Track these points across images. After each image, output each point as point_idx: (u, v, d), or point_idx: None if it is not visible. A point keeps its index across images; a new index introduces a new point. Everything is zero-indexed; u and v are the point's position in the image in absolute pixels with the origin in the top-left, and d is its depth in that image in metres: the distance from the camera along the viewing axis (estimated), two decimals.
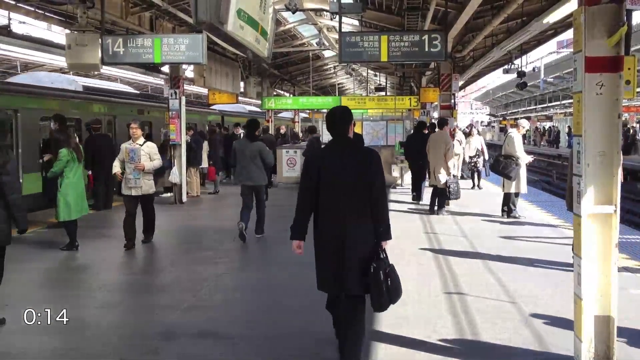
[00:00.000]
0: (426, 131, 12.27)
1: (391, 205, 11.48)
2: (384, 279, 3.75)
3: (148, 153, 7.75)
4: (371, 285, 3.76)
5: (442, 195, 10.55)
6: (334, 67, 25.40)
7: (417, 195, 12.25)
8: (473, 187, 13.89)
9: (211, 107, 22.05)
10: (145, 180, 7.74)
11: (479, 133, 15.51)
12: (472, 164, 14.56)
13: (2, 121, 9.86)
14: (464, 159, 14.28)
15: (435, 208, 10.55)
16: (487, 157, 15.04)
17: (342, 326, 4.00)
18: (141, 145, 7.75)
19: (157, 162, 7.85)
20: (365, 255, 3.82)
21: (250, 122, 8.58)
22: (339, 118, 3.96)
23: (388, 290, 3.76)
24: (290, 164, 15.72)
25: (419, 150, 11.52)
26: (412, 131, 15.76)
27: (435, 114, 21.84)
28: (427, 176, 11.80)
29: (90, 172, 10.97)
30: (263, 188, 8.55)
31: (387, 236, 3.87)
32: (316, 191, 3.90)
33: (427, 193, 11.68)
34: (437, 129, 11.09)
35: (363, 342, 3.94)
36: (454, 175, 10.66)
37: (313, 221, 4.00)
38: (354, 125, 4.13)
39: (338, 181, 3.87)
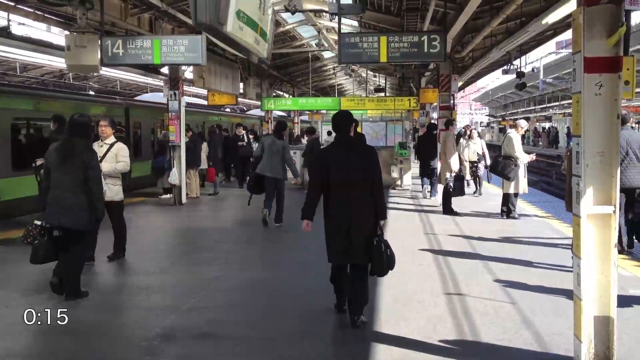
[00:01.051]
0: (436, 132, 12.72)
1: (391, 206, 11.49)
2: (385, 249, 4.61)
3: (115, 154, 6.89)
4: (374, 254, 4.59)
5: (446, 194, 10.63)
6: (334, 68, 25.43)
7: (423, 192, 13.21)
8: (475, 193, 13.78)
9: (113, 97, 16.90)
10: (110, 185, 6.82)
11: (479, 135, 15.09)
12: (473, 169, 14.15)
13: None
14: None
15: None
16: (488, 162, 13.67)
17: (350, 289, 4.79)
18: (110, 145, 6.92)
19: (122, 164, 6.90)
20: (368, 232, 4.65)
21: (279, 123, 10.11)
22: (345, 120, 4.82)
23: (388, 258, 4.62)
24: None
25: (426, 150, 12.71)
26: (411, 132, 16.02)
27: (435, 115, 21.85)
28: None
29: None
30: (283, 182, 9.53)
31: (384, 216, 4.77)
32: (323, 182, 4.72)
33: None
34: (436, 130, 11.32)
35: (366, 299, 4.79)
36: (456, 174, 10.68)
37: (323, 208, 4.75)
38: (357, 126, 4.92)
39: (345, 173, 4.68)
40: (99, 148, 6.78)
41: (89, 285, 5.95)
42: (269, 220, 9.37)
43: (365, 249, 4.59)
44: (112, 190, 6.89)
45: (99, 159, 6.48)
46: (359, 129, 13.34)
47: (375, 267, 4.62)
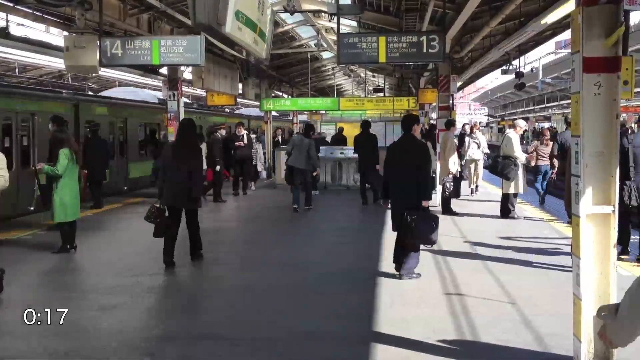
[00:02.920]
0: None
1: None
2: (409, 222, 5.77)
3: None
4: (402, 226, 5.88)
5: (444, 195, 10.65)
6: (332, 69, 25.38)
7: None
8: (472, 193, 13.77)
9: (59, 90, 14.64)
10: None
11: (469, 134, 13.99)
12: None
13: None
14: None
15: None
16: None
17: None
18: None
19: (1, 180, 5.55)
20: (405, 208, 5.89)
21: (307, 124, 12.51)
22: (404, 121, 6.34)
23: (412, 231, 5.79)
24: None
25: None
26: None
27: (434, 115, 21.85)
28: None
29: (86, 172, 10.96)
30: (308, 173, 11.38)
31: (425, 197, 6.08)
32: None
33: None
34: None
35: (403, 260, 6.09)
36: (453, 175, 10.69)
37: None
38: (419, 125, 6.38)
39: (397, 161, 6.14)
40: None
41: (89, 287, 5.95)
42: (299, 209, 11.13)
43: (399, 221, 5.93)
44: None
45: None
46: (358, 130, 13.34)
47: (403, 237, 5.95)
